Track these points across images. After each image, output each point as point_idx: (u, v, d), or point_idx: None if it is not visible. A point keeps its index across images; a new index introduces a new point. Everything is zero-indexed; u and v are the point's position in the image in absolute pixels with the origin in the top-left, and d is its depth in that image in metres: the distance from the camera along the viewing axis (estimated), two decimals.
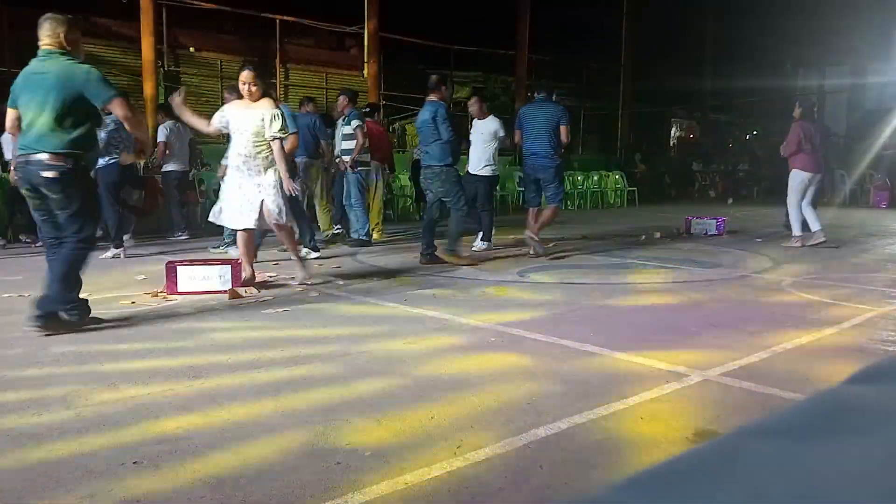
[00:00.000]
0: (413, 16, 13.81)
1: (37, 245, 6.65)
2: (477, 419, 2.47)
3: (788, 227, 7.75)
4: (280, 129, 4.78)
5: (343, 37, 13.75)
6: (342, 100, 7.45)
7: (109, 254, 6.46)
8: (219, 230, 6.60)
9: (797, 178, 7.40)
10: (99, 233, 5.79)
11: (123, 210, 7.13)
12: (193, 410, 2.55)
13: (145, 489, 1.94)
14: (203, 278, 4.77)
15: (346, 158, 7.30)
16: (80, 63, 3.69)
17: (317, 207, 7.94)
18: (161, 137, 8.17)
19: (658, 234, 8.64)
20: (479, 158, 7.19)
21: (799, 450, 0.42)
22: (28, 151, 3.61)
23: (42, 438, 2.28)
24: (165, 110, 8.05)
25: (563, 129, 6.44)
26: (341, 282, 5.25)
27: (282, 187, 4.89)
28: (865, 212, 13.53)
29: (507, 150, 10.29)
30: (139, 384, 2.84)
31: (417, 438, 2.30)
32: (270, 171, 4.88)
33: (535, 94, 6.98)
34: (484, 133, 7.19)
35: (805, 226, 7.46)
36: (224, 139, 8.55)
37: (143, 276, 5.39)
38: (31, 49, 3.83)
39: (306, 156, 7.34)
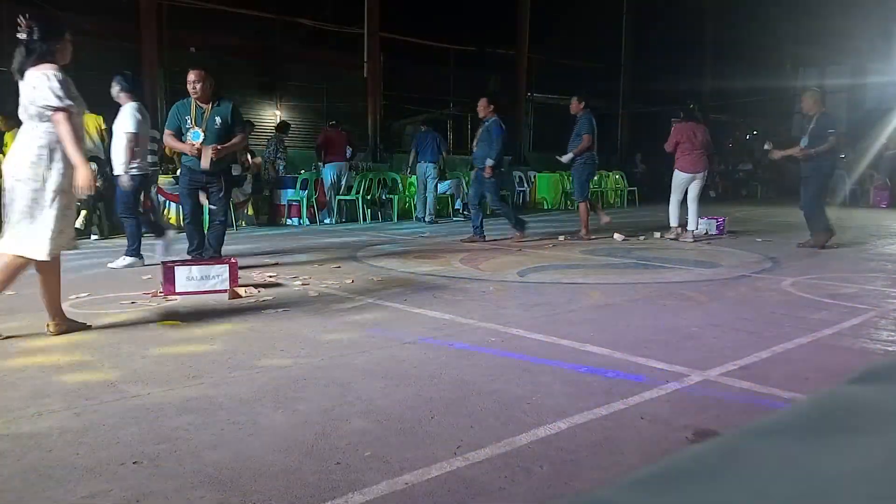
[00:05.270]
0: (413, 16, 13.81)
1: None
2: (477, 419, 2.47)
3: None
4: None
5: (343, 37, 13.74)
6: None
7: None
8: None
9: (676, 178, 8.26)
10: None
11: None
12: (193, 410, 2.55)
13: (145, 489, 1.94)
14: (202, 278, 4.77)
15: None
16: None
17: (429, 198, 10.89)
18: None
19: (658, 234, 8.66)
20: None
21: (799, 450, 0.42)
22: None
23: (42, 438, 2.28)
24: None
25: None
26: (348, 281, 5.25)
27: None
28: (865, 212, 13.53)
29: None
30: (139, 384, 2.84)
31: (417, 438, 2.30)
32: None
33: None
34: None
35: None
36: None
37: (149, 276, 5.39)
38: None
39: (431, 161, 10.81)
